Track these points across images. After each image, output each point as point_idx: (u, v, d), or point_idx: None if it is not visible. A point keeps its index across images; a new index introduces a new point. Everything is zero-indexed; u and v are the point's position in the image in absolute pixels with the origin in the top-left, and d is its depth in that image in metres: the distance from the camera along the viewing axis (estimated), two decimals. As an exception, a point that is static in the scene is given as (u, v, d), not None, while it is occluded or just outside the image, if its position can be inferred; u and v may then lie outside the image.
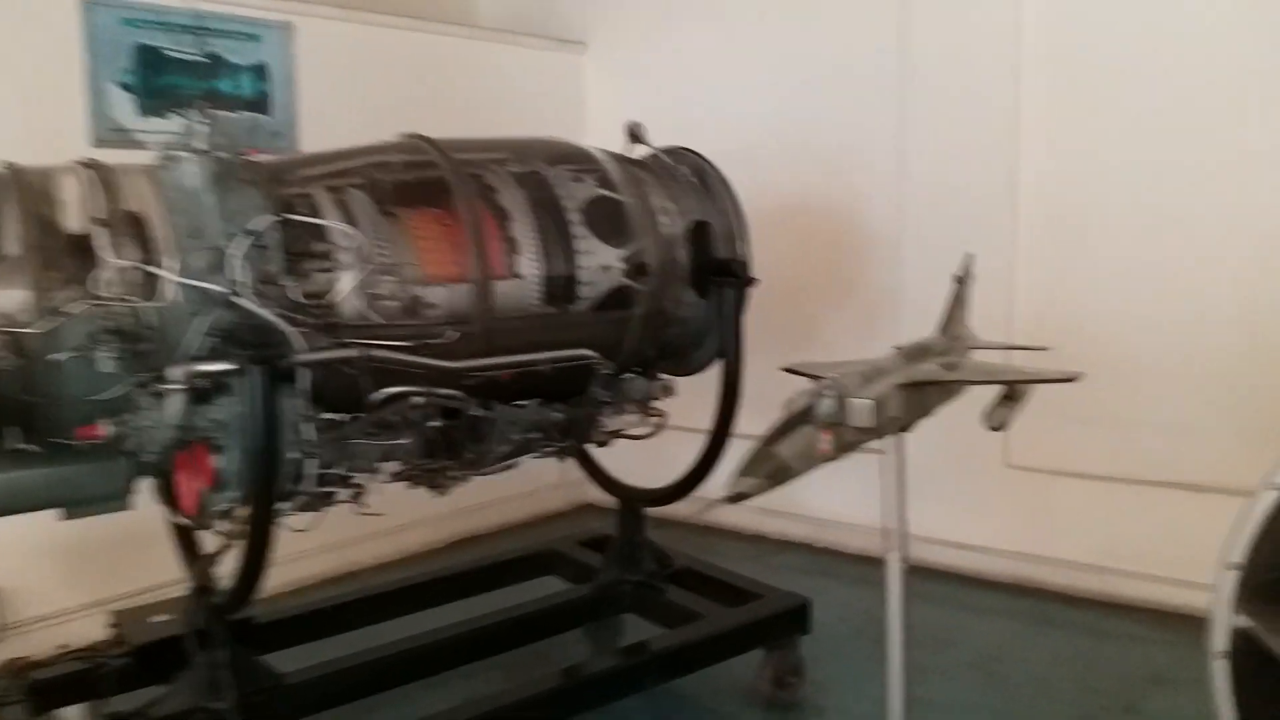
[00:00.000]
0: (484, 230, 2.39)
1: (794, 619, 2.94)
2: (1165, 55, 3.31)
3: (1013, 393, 2.14)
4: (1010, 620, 3.48)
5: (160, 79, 3.39)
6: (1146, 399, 3.40)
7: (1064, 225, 3.52)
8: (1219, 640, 1.40)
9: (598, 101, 4.67)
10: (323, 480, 2.20)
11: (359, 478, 2.32)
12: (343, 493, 2.30)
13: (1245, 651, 1.39)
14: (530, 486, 4.58)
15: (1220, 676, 1.40)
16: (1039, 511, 3.65)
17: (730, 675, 2.93)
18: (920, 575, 3.75)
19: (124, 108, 3.32)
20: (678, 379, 2.95)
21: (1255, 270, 3.21)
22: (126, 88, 3.32)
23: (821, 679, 2.99)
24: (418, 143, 2.52)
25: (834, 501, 4.05)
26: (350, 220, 2.23)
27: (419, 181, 2.43)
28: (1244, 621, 1.37)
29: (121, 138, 3.30)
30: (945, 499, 3.80)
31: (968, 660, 3.15)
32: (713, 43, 4.35)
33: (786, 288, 3.75)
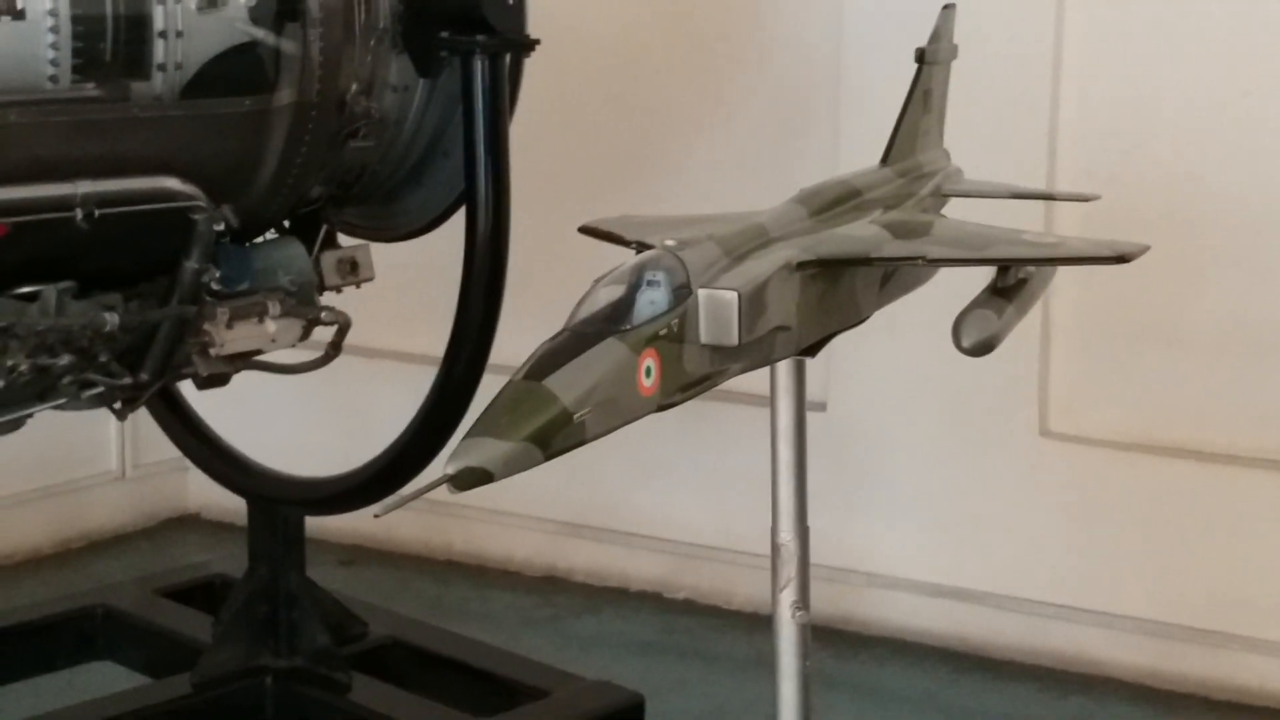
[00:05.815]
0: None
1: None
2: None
3: (1012, 279, 1.32)
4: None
5: None
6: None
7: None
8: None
9: None
10: None
11: None
12: None
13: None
14: (63, 478, 3.05)
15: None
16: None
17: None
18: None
19: None
20: (375, 245, 1.99)
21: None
22: None
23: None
24: None
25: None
26: None
27: None
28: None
29: None
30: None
31: None
32: None
33: (603, 86, 2.70)
